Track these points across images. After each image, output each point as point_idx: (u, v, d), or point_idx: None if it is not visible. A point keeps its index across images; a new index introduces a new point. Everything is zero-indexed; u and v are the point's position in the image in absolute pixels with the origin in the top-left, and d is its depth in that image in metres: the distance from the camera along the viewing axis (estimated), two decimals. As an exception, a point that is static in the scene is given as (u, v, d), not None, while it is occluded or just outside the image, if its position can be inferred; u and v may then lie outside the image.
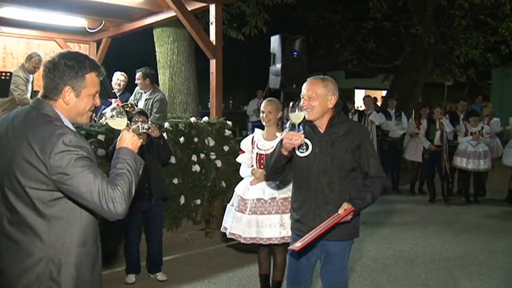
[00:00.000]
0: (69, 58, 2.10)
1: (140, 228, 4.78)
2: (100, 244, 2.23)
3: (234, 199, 4.23)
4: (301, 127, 2.81)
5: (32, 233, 2.02)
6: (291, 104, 2.80)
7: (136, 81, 6.35)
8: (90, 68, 2.13)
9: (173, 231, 5.91)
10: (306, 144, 2.93)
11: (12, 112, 2.21)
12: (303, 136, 2.74)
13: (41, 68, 2.15)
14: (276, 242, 3.95)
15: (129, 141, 2.15)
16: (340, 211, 2.79)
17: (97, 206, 1.96)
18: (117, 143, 2.16)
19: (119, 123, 2.21)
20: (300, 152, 2.97)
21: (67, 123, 2.11)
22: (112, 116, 2.20)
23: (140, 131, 2.45)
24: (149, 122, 4.31)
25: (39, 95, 2.17)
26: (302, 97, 2.96)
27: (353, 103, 9.08)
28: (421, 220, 7.38)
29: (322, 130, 2.98)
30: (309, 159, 2.96)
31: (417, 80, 12.54)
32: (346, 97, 9.71)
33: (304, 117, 2.86)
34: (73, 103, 2.10)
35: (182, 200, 5.83)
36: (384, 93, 14.23)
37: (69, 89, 2.08)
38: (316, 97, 2.89)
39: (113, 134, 5.16)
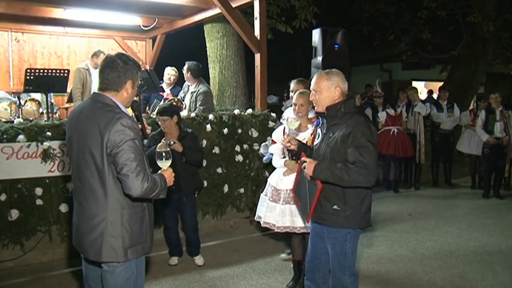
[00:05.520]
0: (126, 59, 2.72)
1: (176, 216, 5.01)
2: (147, 205, 2.79)
3: (268, 189, 4.40)
4: (319, 119, 3.23)
5: (95, 199, 2.62)
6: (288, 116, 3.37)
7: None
8: (139, 67, 2.81)
9: (217, 218, 6.21)
10: (319, 134, 3.14)
11: (80, 104, 2.86)
12: (294, 141, 3.40)
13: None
14: (309, 231, 4.08)
15: (168, 176, 2.79)
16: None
17: (126, 175, 2.50)
18: (163, 172, 2.79)
19: (166, 163, 2.85)
20: (316, 141, 3.24)
21: (123, 109, 2.72)
22: (161, 159, 2.83)
23: (165, 149, 2.88)
24: (172, 141, 4.50)
25: (97, 89, 2.78)
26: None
27: (407, 94, 8.89)
28: (471, 213, 7.22)
29: (329, 121, 3.17)
30: (317, 147, 3.21)
31: (476, 70, 12.07)
32: (399, 88, 9.54)
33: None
34: (130, 93, 2.75)
35: (226, 188, 6.12)
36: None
37: (130, 82, 2.72)
38: (320, 91, 3.12)
39: (158, 126, 5.50)
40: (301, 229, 4.12)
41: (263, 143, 5.31)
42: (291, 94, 4.77)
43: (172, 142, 4.46)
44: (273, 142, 4.42)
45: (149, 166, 2.87)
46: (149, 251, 2.85)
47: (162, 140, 3.46)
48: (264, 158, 5.12)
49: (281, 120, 5.07)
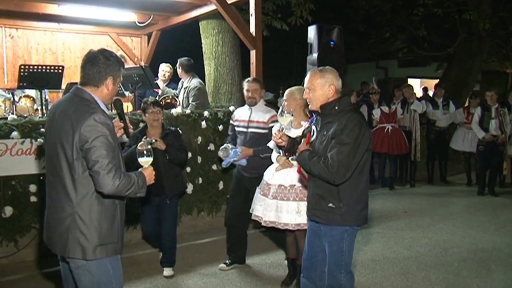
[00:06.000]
0: (108, 55, 2.69)
1: (154, 220, 4.75)
2: (119, 203, 2.69)
3: (262, 183, 4.41)
4: (314, 116, 3.23)
5: (65, 193, 2.57)
6: (280, 108, 3.32)
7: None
8: (121, 63, 2.77)
9: (213, 215, 6.20)
10: (314, 132, 3.15)
11: (61, 98, 2.84)
12: (285, 137, 3.51)
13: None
14: (291, 228, 4.06)
15: (148, 174, 2.73)
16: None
17: (97, 173, 2.44)
18: (143, 170, 2.73)
19: (147, 160, 2.79)
20: (311, 138, 3.23)
21: (102, 106, 2.67)
22: (142, 156, 2.77)
23: (146, 147, 2.81)
24: (153, 140, 4.29)
25: (78, 84, 2.71)
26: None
27: (402, 92, 8.91)
28: (466, 210, 7.24)
29: (323, 119, 3.16)
30: (312, 145, 3.20)
31: (471, 68, 12.10)
32: (395, 86, 9.56)
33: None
34: (111, 89, 2.70)
35: (221, 185, 6.10)
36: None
37: (110, 78, 2.67)
38: (314, 88, 3.10)
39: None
40: (284, 226, 4.09)
41: (222, 146, 4.91)
42: (245, 93, 4.80)
43: (153, 140, 4.26)
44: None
45: (131, 165, 2.84)
46: (120, 252, 2.76)
47: (143, 139, 3.42)
48: (223, 163, 4.80)
49: (230, 121, 5.07)
